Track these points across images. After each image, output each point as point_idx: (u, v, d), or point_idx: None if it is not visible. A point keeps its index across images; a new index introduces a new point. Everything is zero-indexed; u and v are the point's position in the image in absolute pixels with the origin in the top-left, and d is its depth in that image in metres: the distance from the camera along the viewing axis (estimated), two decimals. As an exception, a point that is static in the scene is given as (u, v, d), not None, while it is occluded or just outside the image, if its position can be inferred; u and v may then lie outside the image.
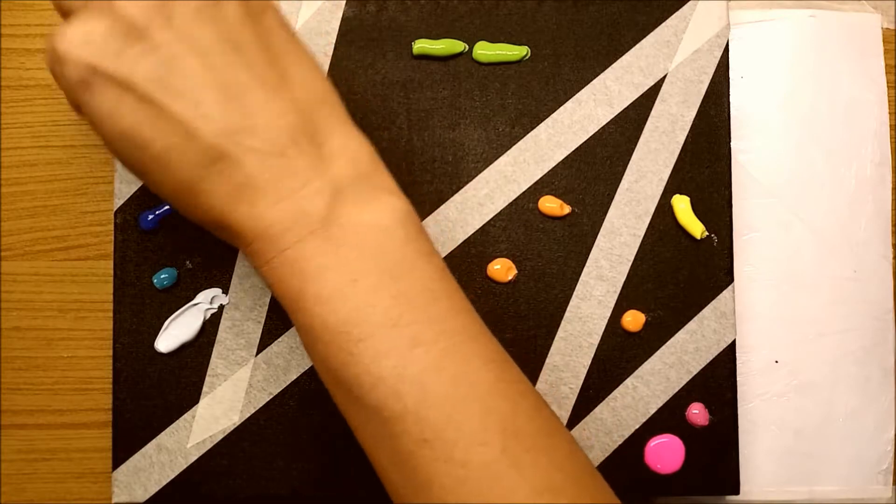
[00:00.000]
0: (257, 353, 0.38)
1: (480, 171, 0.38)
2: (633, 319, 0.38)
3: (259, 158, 0.25)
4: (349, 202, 0.26)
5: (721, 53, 0.39)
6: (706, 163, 0.39)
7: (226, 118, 0.25)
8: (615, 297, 0.38)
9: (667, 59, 0.39)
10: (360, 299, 0.26)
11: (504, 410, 0.26)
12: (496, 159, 0.38)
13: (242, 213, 0.26)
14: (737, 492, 0.38)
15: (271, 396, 0.37)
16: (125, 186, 0.38)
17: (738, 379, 0.38)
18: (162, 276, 0.37)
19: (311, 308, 0.26)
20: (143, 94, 0.25)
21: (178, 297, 0.38)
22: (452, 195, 0.38)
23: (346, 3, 0.38)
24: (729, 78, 0.39)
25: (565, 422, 0.38)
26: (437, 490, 0.25)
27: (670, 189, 0.39)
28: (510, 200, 0.38)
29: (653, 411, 0.38)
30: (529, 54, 0.39)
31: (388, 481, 0.27)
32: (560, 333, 0.38)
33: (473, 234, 0.38)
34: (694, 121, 0.39)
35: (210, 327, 0.38)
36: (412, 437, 0.25)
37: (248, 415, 0.37)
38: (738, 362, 0.38)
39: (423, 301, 0.26)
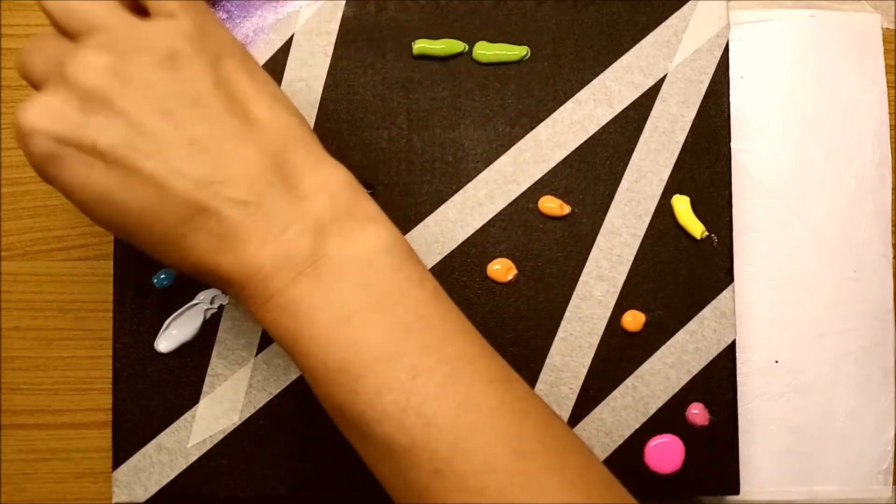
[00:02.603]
0: (257, 353, 0.38)
1: (480, 171, 0.38)
2: (633, 319, 0.38)
3: (236, 207, 0.26)
4: (333, 237, 0.26)
5: (721, 53, 0.39)
6: (706, 163, 0.39)
7: (197, 172, 0.25)
8: (615, 297, 0.38)
9: (667, 59, 0.39)
10: (354, 335, 0.26)
11: (511, 433, 0.26)
12: (496, 159, 0.38)
13: (228, 261, 0.26)
14: (737, 492, 0.38)
15: (271, 396, 0.37)
16: (125, 186, 0.38)
17: (738, 379, 0.38)
18: (162, 276, 0.37)
19: (308, 349, 0.26)
20: (111, 159, 0.25)
21: (178, 297, 0.37)
22: (452, 195, 0.38)
23: (346, 3, 0.38)
24: (729, 78, 0.39)
25: (565, 422, 0.38)
26: None
27: (670, 189, 0.39)
28: (510, 200, 0.38)
29: (653, 411, 0.38)
30: (529, 54, 0.39)
31: None
32: (560, 333, 0.38)
33: (473, 234, 0.38)
34: (694, 121, 0.39)
35: (210, 327, 0.38)
36: (423, 470, 0.25)
37: (248, 415, 0.37)
38: (738, 362, 0.38)
39: (418, 329, 0.26)
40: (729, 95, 0.39)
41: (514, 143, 0.38)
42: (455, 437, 0.25)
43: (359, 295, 0.26)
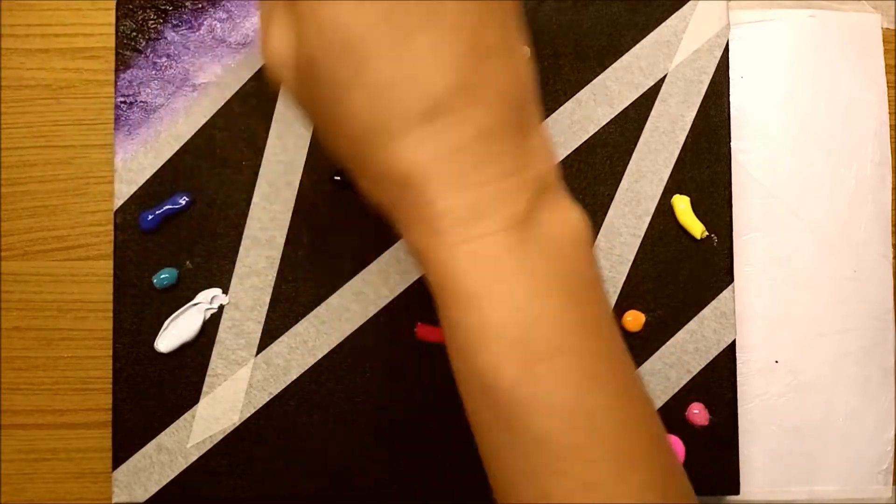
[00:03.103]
0: (257, 353, 0.38)
1: (480, 171, 0.38)
2: (633, 319, 0.38)
3: (481, 130, 0.23)
4: (547, 206, 0.24)
5: (721, 53, 0.39)
6: (706, 163, 0.39)
7: (467, 73, 0.22)
8: (615, 297, 0.38)
9: (667, 59, 0.39)
10: (546, 316, 0.23)
11: (661, 465, 0.25)
12: (496, 159, 0.38)
13: (440, 183, 0.23)
14: (737, 492, 0.38)
15: (271, 396, 0.37)
16: (125, 186, 0.38)
17: (738, 379, 0.38)
18: (162, 276, 0.37)
19: (487, 308, 0.23)
20: (394, 10, 0.22)
21: (178, 297, 0.38)
22: (452, 195, 0.38)
23: (346, 3, 0.38)
24: (729, 78, 0.39)
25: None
26: None
27: (670, 189, 0.39)
28: (510, 200, 0.38)
29: (653, 411, 0.38)
30: (529, 54, 0.39)
31: None
32: (560, 333, 0.38)
33: (473, 234, 0.38)
34: (694, 121, 0.39)
35: (210, 327, 0.38)
36: (573, 478, 0.23)
37: (248, 415, 0.37)
38: (738, 362, 0.38)
39: (599, 331, 0.25)
40: (729, 95, 0.39)
41: (514, 143, 0.38)
42: (618, 460, 0.24)
43: (559, 276, 0.24)
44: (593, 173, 0.39)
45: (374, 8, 0.21)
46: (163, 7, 0.38)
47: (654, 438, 0.25)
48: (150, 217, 0.37)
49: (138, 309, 0.37)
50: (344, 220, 0.38)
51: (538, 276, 0.23)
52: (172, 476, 0.37)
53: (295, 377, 0.38)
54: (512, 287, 0.23)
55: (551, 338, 0.23)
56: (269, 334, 0.38)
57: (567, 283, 0.24)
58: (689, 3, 0.39)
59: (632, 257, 0.38)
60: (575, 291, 0.24)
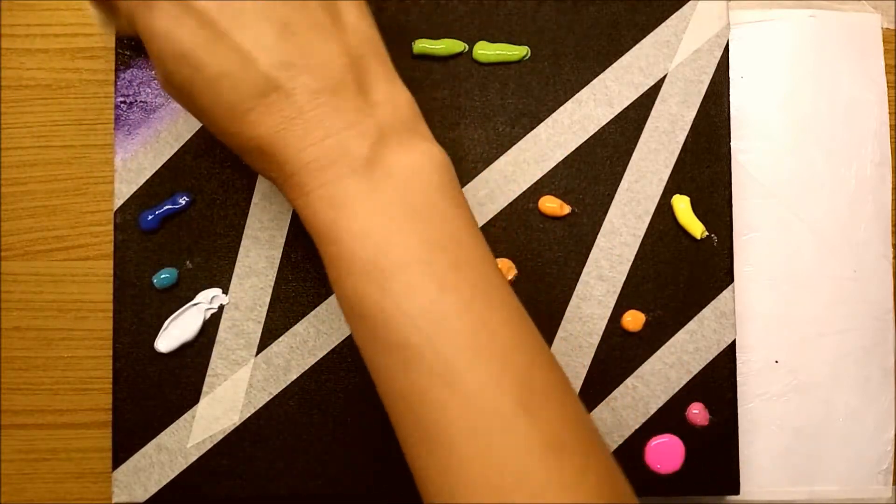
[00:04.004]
0: (257, 353, 0.38)
1: (480, 171, 0.38)
2: (633, 319, 0.38)
3: (311, 95, 0.27)
4: (391, 146, 0.28)
5: (721, 53, 0.39)
6: (706, 163, 0.39)
7: (283, 52, 0.26)
8: (615, 297, 0.38)
9: (667, 59, 0.39)
10: (393, 236, 0.27)
11: (521, 363, 0.27)
12: (496, 159, 0.38)
13: (288, 145, 0.27)
14: (737, 492, 0.38)
15: (271, 396, 0.37)
16: (125, 186, 0.38)
17: (738, 379, 0.38)
18: (162, 276, 0.37)
19: (344, 240, 0.27)
20: (205, 19, 0.26)
21: (178, 297, 0.38)
22: (452, 195, 0.38)
23: (346, 3, 0.38)
24: (729, 78, 0.39)
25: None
26: (451, 433, 0.26)
27: (670, 189, 0.39)
28: (510, 200, 0.38)
29: (653, 411, 0.38)
30: (529, 54, 0.39)
31: (399, 420, 0.28)
32: (560, 333, 0.38)
33: (473, 234, 0.38)
34: (694, 121, 0.39)
35: (210, 327, 0.38)
36: (431, 375, 0.26)
37: (248, 415, 0.37)
38: (738, 362, 0.38)
39: (453, 247, 0.27)
40: (729, 95, 0.39)
41: (514, 143, 0.38)
42: (470, 354, 0.26)
43: (404, 202, 0.27)
44: (593, 173, 0.39)
45: (191, 20, 0.26)
46: (163, 7, 0.38)
47: (516, 341, 0.27)
48: (150, 217, 0.37)
49: (138, 309, 0.37)
50: (344, 220, 0.38)
51: (384, 208, 0.27)
52: (172, 476, 0.37)
53: (295, 377, 0.38)
54: (361, 220, 0.27)
55: (398, 256, 0.27)
56: (269, 334, 0.38)
57: (413, 209, 0.27)
58: (689, 3, 0.39)
59: (632, 257, 0.38)
60: (422, 216, 0.27)
